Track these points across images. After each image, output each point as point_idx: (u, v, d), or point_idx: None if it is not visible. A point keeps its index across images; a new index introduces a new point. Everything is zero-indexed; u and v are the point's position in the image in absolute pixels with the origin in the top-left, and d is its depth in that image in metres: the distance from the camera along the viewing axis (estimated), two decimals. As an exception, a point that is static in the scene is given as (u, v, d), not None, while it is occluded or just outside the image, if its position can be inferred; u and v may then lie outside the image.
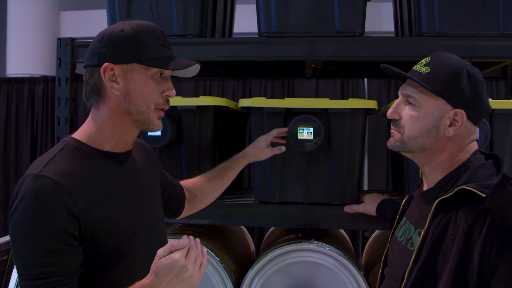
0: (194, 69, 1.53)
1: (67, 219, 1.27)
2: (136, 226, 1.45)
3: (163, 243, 1.51)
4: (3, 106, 6.11)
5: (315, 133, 2.11)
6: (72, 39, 2.37)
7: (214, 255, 2.23)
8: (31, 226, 1.25)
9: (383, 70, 1.63)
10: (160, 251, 1.30)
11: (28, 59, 6.43)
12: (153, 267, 1.29)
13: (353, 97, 5.26)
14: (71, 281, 1.29)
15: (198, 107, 2.25)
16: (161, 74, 1.43)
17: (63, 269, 1.27)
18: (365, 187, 5.60)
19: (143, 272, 1.33)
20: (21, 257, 1.27)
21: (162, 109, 1.47)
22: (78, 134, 1.45)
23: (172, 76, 1.51)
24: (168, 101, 1.48)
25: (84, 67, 1.45)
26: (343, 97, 5.36)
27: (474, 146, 1.55)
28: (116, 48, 1.38)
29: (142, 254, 1.45)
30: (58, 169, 1.31)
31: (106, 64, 1.37)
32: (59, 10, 6.91)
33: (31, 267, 1.26)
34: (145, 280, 1.30)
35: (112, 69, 1.38)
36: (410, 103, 1.53)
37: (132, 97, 1.40)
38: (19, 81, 6.13)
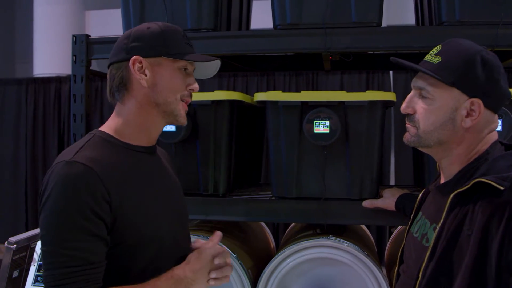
0: (214, 70, 1.63)
1: (101, 204, 1.29)
2: (163, 219, 1.48)
3: (188, 238, 1.62)
4: (30, 105, 6.22)
5: (331, 126, 2.07)
6: (87, 35, 2.37)
7: (230, 251, 2.21)
8: (66, 212, 1.27)
9: (393, 63, 1.57)
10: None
11: (54, 58, 6.53)
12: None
13: (378, 90, 5.18)
14: (99, 271, 1.30)
15: (213, 101, 2.22)
16: (185, 69, 1.50)
17: (94, 257, 1.28)
18: (392, 182, 5.52)
19: (169, 263, 1.43)
20: (55, 244, 1.27)
21: (186, 102, 1.52)
22: (105, 127, 1.49)
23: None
24: (191, 95, 1.54)
25: (110, 64, 1.49)
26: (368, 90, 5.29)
27: (494, 136, 1.47)
28: (144, 43, 1.45)
29: (168, 248, 1.47)
30: (89, 156, 1.34)
31: (134, 57, 1.44)
32: (84, 10, 6.99)
33: (65, 253, 1.25)
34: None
35: (141, 62, 1.44)
36: (423, 96, 1.47)
37: (160, 88, 1.46)
38: (46, 81, 6.23)
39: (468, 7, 2.11)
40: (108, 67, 1.51)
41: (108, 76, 1.50)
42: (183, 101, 1.50)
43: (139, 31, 1.48)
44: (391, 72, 5.41)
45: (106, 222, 1.31)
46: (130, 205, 1.37)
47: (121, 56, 1.47)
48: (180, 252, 1.51)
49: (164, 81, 1.46)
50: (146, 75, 1.45)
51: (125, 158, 1.44)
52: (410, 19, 5.81)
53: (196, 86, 1.53)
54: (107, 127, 1.49)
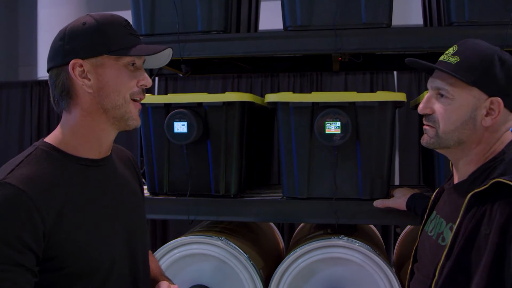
0: (166, 58, 1.45)
1: (31, 233, 1.16)
2: (114, 240, 1.35)
3: (145, 257, 1.49)
4: (35, 108, 6.21)
5: (342, 127, 2.08)
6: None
7: (242, 252, 2.22)
8: None
9: (409, 65, 1.58)
10: None
11: (58, 61, 6.54)
12: None
13: (382, 90, 5.18)
14: None
15: (224, 103, 2.23)
16: (133, 64, 1.34)
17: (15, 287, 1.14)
18: (396, 182, 5.53)
19: (122, 285, 1.34)
20: None
21: (138, 101, 1.37)
22: (50, 138, 1.34)
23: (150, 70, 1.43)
24: (143, 91, 1.38)
25: (48, 70, 1.35)
26: (372, 91, 5.30)
27: (509, 136, 1.49)
28: (81, 42, 1.29)
29: (121, 270, 1.36)
30: (25, 176, 1.20)
31: (73, 61, 1.28)
32: (88, 13, 7.01)
33: None
34: None
35: (81, 65, 1.29)
36: (442, 96, 1.48)
37: (106, 91, 1.31)
38: (50, 83, 6.22)
39: (477, 7, 2.12)
40: (48, 71, 1.36)
41: (49, 82, 1.34)
42: (134, 100, 1.35)
43: (74, 29, 1.30)
44: (395, 72, 5.42)
45: (36, 252, 1.16)
46: (74, 228, 1.23)
47: (58, 60, 1.31)
48: (135, 274, 1.41)
49: (110, 82, 1.31)
50: (89, 80, 1.29)
51: (70, 175, 1.29)
52: (414, 19, 5.82)
53: (147, 81, 1.36)
54: (53, 138, 1.34)
